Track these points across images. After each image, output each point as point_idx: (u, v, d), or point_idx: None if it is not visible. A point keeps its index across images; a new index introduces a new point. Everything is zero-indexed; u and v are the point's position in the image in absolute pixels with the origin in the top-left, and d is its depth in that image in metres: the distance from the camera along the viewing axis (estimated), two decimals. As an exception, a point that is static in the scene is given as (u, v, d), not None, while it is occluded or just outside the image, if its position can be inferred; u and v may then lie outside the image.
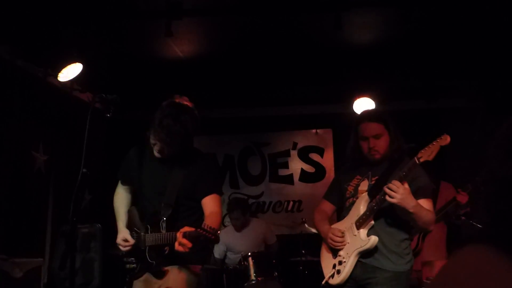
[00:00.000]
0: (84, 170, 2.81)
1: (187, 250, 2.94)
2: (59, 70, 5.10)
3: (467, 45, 5.41)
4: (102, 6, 4.64)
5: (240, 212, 6.31)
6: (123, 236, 3.42)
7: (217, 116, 7.37)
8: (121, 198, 3.64)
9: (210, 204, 3.30)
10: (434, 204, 3.56)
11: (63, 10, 4.60)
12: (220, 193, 3.44)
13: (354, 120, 3.48)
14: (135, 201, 3.64)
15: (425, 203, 3.17)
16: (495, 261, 0.46)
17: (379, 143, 3.28)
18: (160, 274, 3.36)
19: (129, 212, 3.58)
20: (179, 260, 3.27)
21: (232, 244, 6.25)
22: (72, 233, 2.77)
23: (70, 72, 5.15)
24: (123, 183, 3.66)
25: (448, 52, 5.58)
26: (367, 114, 3.46)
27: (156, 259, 3.31)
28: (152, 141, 3.25)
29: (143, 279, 3.39)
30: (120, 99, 2.99)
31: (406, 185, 3.04)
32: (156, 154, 3.31)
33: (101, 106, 3.10)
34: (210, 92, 6.59)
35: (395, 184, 2.98)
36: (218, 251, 6.31)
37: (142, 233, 3.37)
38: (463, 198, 4.66)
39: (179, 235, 2.96)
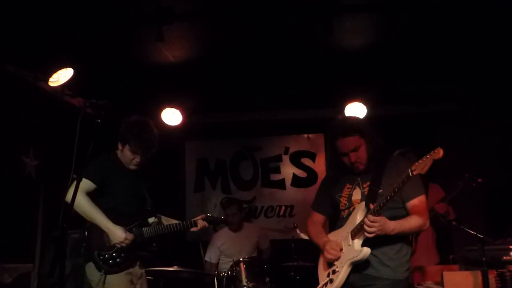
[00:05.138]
0: (74, 175, 2.79)
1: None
2: (49, 75, 5.06)
3: (457, 49, 5.44)
4: (93, 11, 4.62)
5: (236, 207, 6.30)
6: (123, 231, 3.76)
7: (208, 120, 7.37)
8: (91, 200, 3.75)
9: None
10: None
11: (53, 14, 4.58)
12: None
13: (329, 136, 3.40)
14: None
15: (419, 201, 3.23)
16: None
17: (360, 155, 3.28)
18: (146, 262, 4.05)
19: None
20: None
21: (226, 246, 6.22)
22: (61, 239, 2.75)
23: (61, 77, 5.11)
24: (98, 185, 3.80)
25: (438, 56, 5.61)
26: (340, 129, 3.31)
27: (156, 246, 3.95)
28: (129, 156, 3.88)
29: (130, 271, 3.82)
30: (111, 105, 2.98)
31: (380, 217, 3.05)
32: (132, 167, 3.93)
33: (92, 111, 3.08)
34: (202, 97, 6.58)
35: (369, 220, 3.00)
36: (213, 255, 6.27)
37: (140, 228, 3.90)
38: (440, 208, 4.77)
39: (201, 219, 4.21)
